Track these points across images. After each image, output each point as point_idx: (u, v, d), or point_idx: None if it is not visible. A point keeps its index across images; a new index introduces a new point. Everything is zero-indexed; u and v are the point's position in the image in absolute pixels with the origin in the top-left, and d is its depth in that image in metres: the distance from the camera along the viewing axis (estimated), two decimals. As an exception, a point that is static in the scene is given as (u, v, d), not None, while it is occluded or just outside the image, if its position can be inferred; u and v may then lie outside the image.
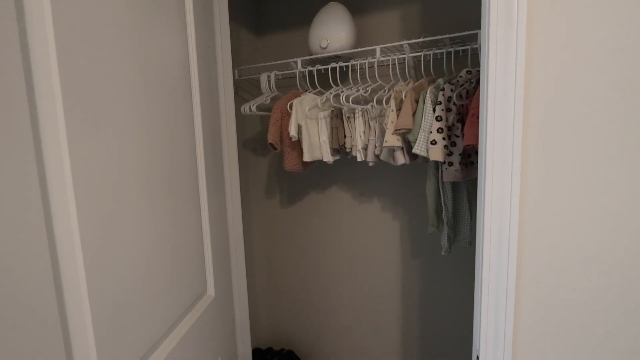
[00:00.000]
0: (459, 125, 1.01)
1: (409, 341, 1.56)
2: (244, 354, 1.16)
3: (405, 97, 1.05)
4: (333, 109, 1.25)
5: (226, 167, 1.05)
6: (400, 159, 1.11)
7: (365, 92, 1.18)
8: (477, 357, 0.75)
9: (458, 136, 1.01)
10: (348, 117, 1.21)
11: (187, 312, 0.82)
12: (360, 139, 1.19)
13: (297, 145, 1.28)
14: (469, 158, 1.07)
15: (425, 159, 1.11)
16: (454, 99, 0.99)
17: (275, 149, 1.26)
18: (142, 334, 0.64)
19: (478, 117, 0.91)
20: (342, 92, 1.20)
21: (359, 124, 1.18)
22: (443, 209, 1.10)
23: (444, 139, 0.98)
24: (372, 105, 1.15)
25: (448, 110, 1.00)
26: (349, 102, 1.17)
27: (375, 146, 1.16)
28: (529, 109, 0.64)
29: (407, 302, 1.53)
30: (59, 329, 0.47)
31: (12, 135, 0.40)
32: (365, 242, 1.56)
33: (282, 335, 1.87)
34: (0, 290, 0.39)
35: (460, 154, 1.02)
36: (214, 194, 0.95)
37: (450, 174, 1.02)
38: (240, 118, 1.65)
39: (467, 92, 1.01)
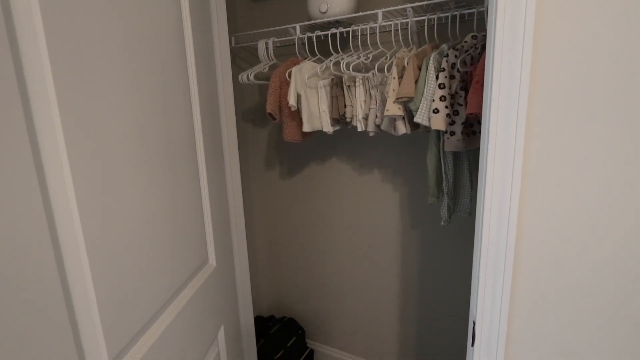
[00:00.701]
0: (463, 93, 0.98)
1: (407, 309, 1.60)
2: (246, 321, 1.20)
3: (407, 64, 1.01)
4: (333, 77, 1.21)
5: (224, 138, 1.04)
6: (402, 128, 1.09)
7: (366, 59, 1.15)
8: (474, 323, 0.76)
9: (461, 105, 0.98)
10: (348, 86, 1.18)
11: (189, 280, 0.83)
12: (360, 108, 1.16)
13: (297, 115, 1.26)
14: (472, 127, 1.05)
15: (427, 129, 1.09)
16: (458, 65, 0.96)
17: (274, 119, 1.24)
18: (144, 302, 0.65)
19: (482, 85, 0.88)
20: (343, 59, 1.16)
21: (359, 92, 1.15)
22: (443, 179, 1.09)
23: (446, 107, 0.96)
24: (373, 73, 1.12)
25: (451, 77, 0.97)
26: (349, 70, 1.14)
27: (376, 116, 1.13)
28: (536, 75, 0.62)
29: (406, 272, 1.55)
30: (62, 298, 0.47)
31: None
32: (365, 213, 1.57)
33: (283, 304, 1.92)
34: (5, 268, 0.39)
35: (462, 123, 1.00)
36: (212, 165, 0.94)
37: (452, 144, 1.01)
38: (238, 88, 1.62)
39: (472, 58, 0.98)
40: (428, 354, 1.60)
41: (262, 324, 1.77)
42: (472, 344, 0.78)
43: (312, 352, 1.82)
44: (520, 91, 0.63)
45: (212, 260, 0.95)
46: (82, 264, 0.51)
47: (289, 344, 1.68)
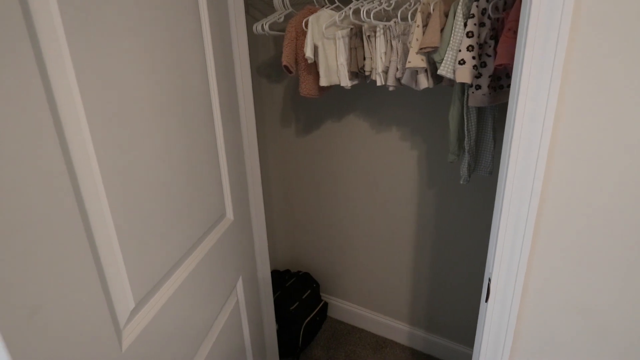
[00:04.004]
0: (492, 42, 0.91)
1: (420, 268, 1.62)
2: (263, 274, 1.24)
3: (433, 10, 0.94)
4: (352, 26, 1.14)
5: (240, 92, 1.01)
6: (424, 82, 1.03)
7: (388, 6, 1.07)
8: (489, 280, 0.77)
9: (489, 55, 0.92)
10: (368, 36, 1.11)
11: (207, 233, 0.85)
12: (380, 60, 1.10)
13: (314, 68, 1.21)
14: (499, 81, 0.99)
15: (451, 82, 1.03)
16: (489, 11, 0.88)
17: (290, 72, 1.20)
18: (166, 251, 0.67)
19: (515, 32, 0.81)
20: (363, 6, 1.09)
21: (380, 43, 1.08)
22: (465, 136, 1.05)
23: (473, 58, 0.89)
24: (395, 22, 1.04)
25: (481, 24, 0.90)
26: (369, 18, 1.07)
27: (397, 68, 1.08)
28: (578, 21, 0.56)
29: (421, 231, 1.56)
30: (89, 252, 0.49)
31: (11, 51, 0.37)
32: (382, 171, 1.55)
33: (299, 259, 1.98)
34: (34, 226, 0.40)
35: (489, 76, 0.94)
36: (228, 121, 0.92)
37: (477, 99, 0.95)
38: (253, 41, 1.56)
39: (505, 3, 0.90)
40: (439, 310, 1.64)
41: (279, 277, 1.84)
42: (486, 300, 0.78)
43: (326, 304, 1.90)
44: (559, 38, 0.58)
45: (230, 214, 0.97)
46: (105, 215, 0.52)
47: (304, 296, 1.75)
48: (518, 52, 0.64)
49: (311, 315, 1.75)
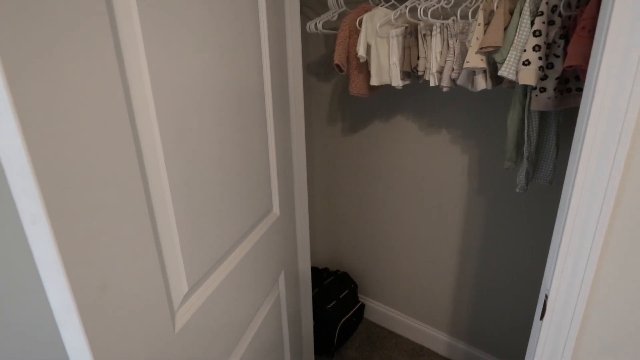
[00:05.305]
0: (562, 42, 0.85)
1: (464, 276, 1.55)
2: (304, 270, 1.25)
3: (497, 7, 0.89)
4: (407, 25, 1.11)
5: (291, 90, 1.02)
6: (481, 83, 0.99)
7: (447, 4, 1.03)
8: (546, 296, 0.72)
9: (558, 56, 0.85)
10: (424, 35, 1.08)
11: (255, 225, 0.87)
12: (435, 60, 1.06)
13: (365, 67, 1.20)
14: (566, 84, 0.92)
15: (511, 84, 0.97)
16: (561, 8, 0.82)
17: (341, 71, 1.19)
18: (217, 240, 0.70)
19: (590, 31, 0.75)
20: (420, 4, 1.06)
21: (435, 42, 1.05)
22: (525, 142, 0.99)
23: (539, 58, 0.84)
24: (454, 20, 1.00)
25: (550, 23, 0.84)
26: (427, 16, 1.03)
27: (453, 69, 1.03)
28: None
29: (468, 238, 1.49)
30: (152, 237, 0.52)
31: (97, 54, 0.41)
32: (430, 174, 1.50)
33: (338, 258, 1.98)
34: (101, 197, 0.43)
35: (556, 78, 0.87)
36: (279, 117, 0.94)
37: (541, 102, 0.89)
38: (304, 40, 1.57)
39: (579, -1, 0.83)
40: (483, 322, 1.57)
41: (317, 274, 1.85)
42: (541, 318, 0.73)
43: (363, 306, 1.88)
44: (645, 36, 0.52)
45: (276, 209, 0.99)
46: (167, 203, 0.55)
47: (341, 296, 1.75)
48: (595, 53, 0.59)
49: (347, 315, 1.74)
